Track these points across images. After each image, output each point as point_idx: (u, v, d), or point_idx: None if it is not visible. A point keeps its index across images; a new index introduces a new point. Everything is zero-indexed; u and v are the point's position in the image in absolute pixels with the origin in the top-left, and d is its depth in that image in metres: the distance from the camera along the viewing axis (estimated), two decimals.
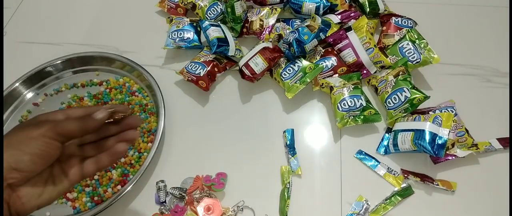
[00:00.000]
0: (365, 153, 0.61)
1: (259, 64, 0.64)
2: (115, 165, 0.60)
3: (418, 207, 0.56)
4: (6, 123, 0.67)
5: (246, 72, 0.64)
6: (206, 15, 0.73)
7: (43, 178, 0.36)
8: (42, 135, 0.33)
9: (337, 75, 0.66)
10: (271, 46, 0.65)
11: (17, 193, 0.34)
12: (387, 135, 0.62)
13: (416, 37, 0.66)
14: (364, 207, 0.55)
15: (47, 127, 0.34)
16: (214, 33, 0.68)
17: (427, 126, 0.55)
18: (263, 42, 0.68)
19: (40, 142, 0.33)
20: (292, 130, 0.63)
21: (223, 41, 0.67)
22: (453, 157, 0.57)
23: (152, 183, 0.59)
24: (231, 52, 0.67)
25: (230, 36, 0.70)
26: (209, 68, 0.65)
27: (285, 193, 0.56)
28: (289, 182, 0.57)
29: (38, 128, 0.34)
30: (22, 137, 0.34)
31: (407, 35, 0.67)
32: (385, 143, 0.62)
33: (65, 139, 0.35)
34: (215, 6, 0.73)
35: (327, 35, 0.65)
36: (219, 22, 0.73)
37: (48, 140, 0.34)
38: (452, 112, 0.60)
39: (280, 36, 0.71)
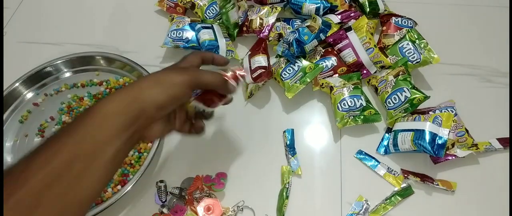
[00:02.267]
0: (365, 153, 0.61)
1: (261, 61, 0.64)
2: None
3: (418, 207, 0.56)
4: (6, 123, 0.67)
5: (259, 72, 0.63)
6: (205, 14, 0.73)
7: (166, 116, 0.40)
8: (183, 84, 0.37)
9: (337, 75, 0.66)
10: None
11: (151, 126, 0.37)
12: (387, 135, 0.62)
13: (416, 37, 0.66)
14: (364, 207, 0.55)
15: (188, 77, 0.38)
16: (204, 35, 0.68)
17: (427, 126, 0.55)
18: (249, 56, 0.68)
19: (179, 88, 0.37)
20: (292, 130, 0.63)
21: (213, 44, 0.67)
22: (453, 157, 0.57)
23: (152, 183, 0.59)
24: (221, 54, 0.68)
25: (221, 38, 0.70)
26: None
27: (284, 193, 0.56)
28: (288, 182, 0.57)
29: (181, 75, 0.38)
30: (168, 80, 0.37)
31: (407, 35, 0.67)
32: (385, 143, 0.62)
33: (198, 89, 0.41)
34: (214, 5, 0.73)
35: (327, 35, 0.65)
36: (218, 21, 0.73)
37: (185, 89, 0.37)
38: (452, 112, 0.60)
39: (280, 35, 0.71)
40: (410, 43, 0.66)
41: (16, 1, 0.87)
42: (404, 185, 0.58)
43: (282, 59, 0.67)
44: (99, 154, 0.32)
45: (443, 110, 0.61)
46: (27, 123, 0.67)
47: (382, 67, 0.66)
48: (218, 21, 0.74)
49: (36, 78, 0.70)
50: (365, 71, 0.66)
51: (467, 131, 0.59)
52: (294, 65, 0.64)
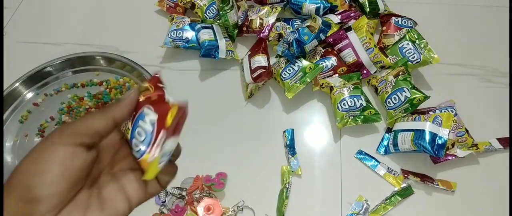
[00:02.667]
0: (365, 153, 0.61)
1: (261, 60, 0.64)
2: None
3: (418, 207, 0.56)
4: (6, 123, 0.67)
5: (259, 72, 0.63)
6: (205, 14, 0.73)
7: (81, 203, 0.25)
8: (61, 144, 0.25)
9: (337, 75, 0.66)
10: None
11: None
12: (387, 135, 0.62)
13: (416, 37, 0.66)
14: (364, 207, 0.55)
15: (64, 132, 0.25)
16: (204, 35, 0.68)
17: (427, 126, 0.55)
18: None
19: (60, 154, 0.24)
20: (292, 130, 0.63)
21: (212, 45, 0.68)
22: (453, 157, 0.57)
23: None
24: (221, 54, 0.68)
25: (221, 38, 0.70)
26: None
27: (284, 193, 0.56)
28: (288, 182, 0.57)
29: (54, 136, 0.25)
30: (38, 153, 0.25)
31: (407, 35, 0.67)
32: (385, 143, 0.62)
33: (90, 141, 0.25)
34: (214, 5, 0.73)
35: (327, 35, 0.65)
36: (218, 22, 0.74)
37: (69, 147, 0.24)
38: (452, 112, 0.60)
39: (280, 35, 0.71)
40: (410, 43, 0.66)
41: (16, 1, 0.87)
42: (404, 185, 0.58)
43: (282, 59, 0.67)
44: None
45: (443, 110, 0.61)
46: (27, 123, 0.67)
47: (382, 67, 0.66)
48: (218, 22, 0.74)
49: (36, 78, 0.70)
50: (365, 71, 0.66)
51: (467, 131, 0.59)
52: (294, 65, 0.64)
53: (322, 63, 0.65)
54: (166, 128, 0.27)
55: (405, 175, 0.58)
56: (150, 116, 0.28)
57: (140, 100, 0.30)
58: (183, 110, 0.29)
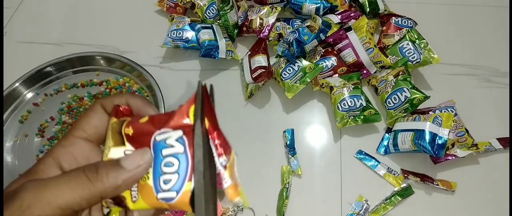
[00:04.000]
0: (365, 153, 0.61)
1: (261, 60, 0.64)
2: None
3: (418, 207, 0.56)
4: (6, 123, 0.67)
5: (259, 72, 0.63)
6: (205, 14, 0.73)
7: None
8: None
9: (337, 75, 0.66)
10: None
11: None
12: (387, 135, 0.62)
13: (416, 37, 0.66)
14: (364, 207, 0.55)
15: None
16: (204, 35, 0.68)
17: (427, 126, 0.55)
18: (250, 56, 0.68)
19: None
20: (292, 130, 0.63)
21: (213, 45, 0.68)
22: (453, 157, 0.57)
23: None
24: (221, 54, 0.68)
25: (221, 38, 0.70)
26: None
27: (284, 193, 0.56)
28: (288, 182, 0.57)
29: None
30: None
31: (407, 35, 0.67)
32: (385, 143, 0.62)
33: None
34: (214, 5, 0.73)
35: (327, 35, 0.65)
36: (217, 22, 0.73)
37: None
38: (452, 112, 0.60)
39: (280, 35, 0.71)
40: (410, 43, 0.66)
41: (16, 1, 0.87)
42: (404, 185, 0.58)
43: (282, 59, 0.67)
44: None
45: (443, 110, 0.60)
46: (27, 123, 0.67)
47: (382, 67, 0.66)
48: (218, 22, 0.74)
49: (36, 78, 0.70)
50: (365, 71, 0.66)
51: (467, 131, 0.59)
52: (294, 65, 0.64)
53: (322, 63, 0.65)
54: (211, 132, 0.21)
55: (405, 175, 0.58)
56: (171, 137, 0.21)
57: (130, 134, 0.22)
58: (203, 95, 0.23)
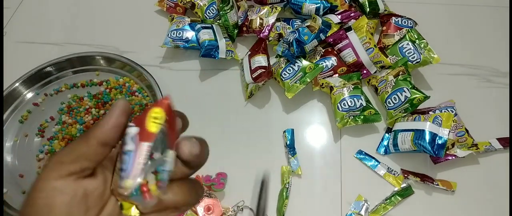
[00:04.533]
0: (365, 153, 0.61)
1: (261, 60, 0.64)
2: None
3: (418, 207, 0.56)
4: (6, 123, 0.67)
5: (259, 72, 0.63)
6: (205, 14, 0.73)
7: None
8: (50, 178, 0.23)
9: (337, 75, 0.66)
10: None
11: None
12: (387, 135, 0.62)
13: (416, 37, 0.66)
14: (364, 206, 0.55)
15: (49, 165, 0.23)
16: (204, 35, 0.68)
17: (427, 126, 0.55)
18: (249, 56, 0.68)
19: (51, 193, 0.22)
20: (292, 130, 0.63)
21: (213, 45, 0.68)
22: (453, 157, 0.57)
23: None
24: (221, 54, 0.68)
25: (221, 38, 0.70)
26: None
27: (284, 193, 0.56)
28: (288, 182, 0.57)
29: (42, 173, 0.23)
30: (34, 196, 0.23)
31: (407, 35, 0.67)
32: (385, 143, 0.62)
33: (78, 168, 0.23)
34: (214, 5, 0.73)
35: (327, 35, 0.65)
36: (217, 22, 0.74)
37: (58, 181, 0.22)
38: (452, 112, 0.60)
39: (280, 35, 0.71)
40: (410, 43, 0.66)
41: (16, 1, 0.87)
42: (404, 185, 0.58)
43: (282, 59, 0.67)
44: None
45: (443, 110, 0.61)
46: (27, 123, 0.67)
47: (382, 67, 0.66)
48: (218, 22, 0.74)
49: (36, 78, 0.70)
50: (365, 71, 0.66)
51: (467, 131, 0.59)
52: (294, 65, 0.64)
53: (322, 63, 0.65)
54: (148, 138, 0.21)
55: (405, 175, 0.58)
56: (130, 133, 0.22)
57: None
58: (166, 106, 0.22)
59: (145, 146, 0.21)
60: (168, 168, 0.22)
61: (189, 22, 0.72)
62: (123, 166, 0.22)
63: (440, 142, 0.54)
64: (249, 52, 0.69)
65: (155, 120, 0.22)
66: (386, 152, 0.61)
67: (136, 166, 0.21)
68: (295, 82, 0.63)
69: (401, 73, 0.62)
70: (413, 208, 0.56)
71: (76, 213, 0.22)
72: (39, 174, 0.24)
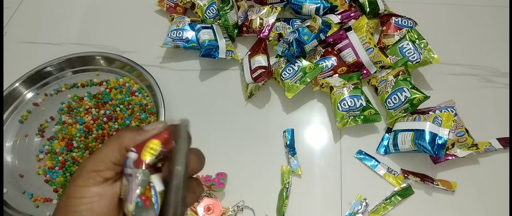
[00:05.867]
0: (365, 153, 0.61)
1: (261, 60, 0.64)
2: None
3: (418, 207, 0.56)
4: (6, 123, 0.67)
5: (259, 72, 0.63)
6: (205, 14, 0.73)
7: None
8: (83, 186, 0.25)
9: (337, 75, 0.66)
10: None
11: None
12: (387, 135, 0.62)
13: (416, 37, 0.66)
14: (363, 205, 0.55)
15: (83, 171, 0.26)
16: (204, 35, 0.68)
17: (427, 126, 0.55)
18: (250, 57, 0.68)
19: (85, 199, 0.25)
20: (292, 130, 0.63)
21: (213, 45, 0.68)
22: (453, 157, 0.57)
23: None
24: (221, 54, 0.68)
25: (221, 38, 0.70)
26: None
27: (284, 193, 0.56)
28: (288, 182, 0.57)
29: (76, 179, 0.26)
30: (66, 202, 0.25)
31: (407, 35, 0.67)
32: (385, 143, 0.62)
33: (112, 174, 0.26)
34: (214, 5, 0.73)
35: (327, 35, 0.65)
36: (217, 22, 0.74)
37: (91, 188, 0.25)
38: (452, 112, 0.60)
39: (280, 35, 0.71)
40: (410, 43, 0.66)
41: (16, 1, 0.87)
42: (404, 185, 0.58)
43: (282, 59, 0.67)
44: None
45: (443, 110, 0.61)
46: (27, 123, 0.67)
47: (382, 67, 0.66)
48: (218, 22, 0.74)
49: (36, 78, 0.70)
50: (365, 71, 0.66)
51: (467, 131, 0.59)
52: (294, 65, 0.64)
53: (322, 63, 0.65)
54: (140, 164, 0.24)
55: (405, 175, 0.58)
56: (130, 158, 0.25)
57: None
58: (166, 138, 0.25)
59: (140, 175, 0.24)
60: (158, 189, 0.25)
61: (189, 22, 0.72)
62: (126, 189, 0.25)
63: (440, 142, 0.54)
64: (249, 52, 0.69)
65: (150, 151, 0.25)
66: (386, 152, 0.61)
67: (133, 193, 0.24)
68: (295, 82, 0.63)
69: (401, 73, 0.62)
70: (413, 208, 0.56)
71: (114, 214, 0.25)
72: (73, 182, 0.26)
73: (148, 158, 0.24)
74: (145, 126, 0.27)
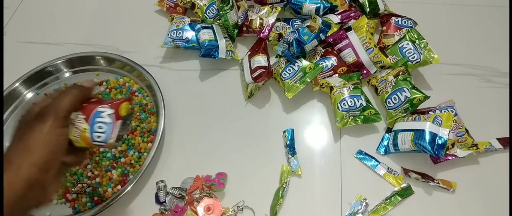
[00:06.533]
0: (365, 153, 0.61)
1: (261, 60, 0.64)
2: (115, 165, 0.60)
3: (418, 207, 0.56)
4: (6, 123, 0.67)
5: (259, 72, 0.63)
6: (205, 14, 0.73)
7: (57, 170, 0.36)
8: (53, 127, 0.34)
9: (337, 75, 0.66)
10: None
11: (47, 191, 0.35)
12: (387, 135, 0.62)
13: (416, 37, 0.66)
14: (363, 205, 0.55)
15: (51, 117, 0.34)
16: (204, 35, 0.68)
17: (427, 126, 0.55)
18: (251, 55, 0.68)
19: (54, 136, 0.34)
20: (292, 130, 0.63)
21: (213, 45, 0.67)
22: (453, 157, 0.57)
23: (152, 183, 0.59)
24: (221, 54, 0.68)
25: (221, 38, 0.70)
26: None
27: (280, 192, 0.56)
28: (286, 182, 0.57)
29: (45, 122, 0.34)
30: (38, 136, 0.34)
31: (407, 35, 0.67)
32: (385, 143, 0.62)
33: (67, 120, 0.37)
34: (214, 5, 0.73)
35: (327, 35, 0.65)
36: (217, 22, 0.74)
37: (58, 129, 0.35)
38: (452, 112, 0.60)
39: (280, 35, 0.71)
40: (410, 43, 0.66)
41: (16, 1, 0.87)
42: (404, 185, 0.58)
43: (282, 59, 0.67)
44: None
45: (443, 110, 0.61)
46: None
47: (382, 67, 0.66)
48: (218, 22, 0.74)
49: (36, 78, 0.70)
50: (365, 71, 0.66)
51: (467, 131, 0.59)
52: (294, 65, 0.64)
53: (322, 63, 0.65)
54: (121, 118, 0.40)
55: (406, 173, 0.58)
56: (107, 112, 0.40)
57: (85, 105, 0.40)
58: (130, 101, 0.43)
59: (119, 122, 0.41)
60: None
61: (189, 22, 0.72)
62: (101, 129, 0.39)
63: (440, 142, 0.54)
64: (249, 52, 0.69)
65: (125, 109, 0.41)
66: (386, 152, 0.61)
67: (115, 133, 0.40)
68: (295, 82, 0.63)
69: (401, 73, 0.62)
70: (413, 208, 0.56)
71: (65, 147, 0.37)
72: (44, 118, 0.35)
73: (124, 112, 0.42)
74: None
